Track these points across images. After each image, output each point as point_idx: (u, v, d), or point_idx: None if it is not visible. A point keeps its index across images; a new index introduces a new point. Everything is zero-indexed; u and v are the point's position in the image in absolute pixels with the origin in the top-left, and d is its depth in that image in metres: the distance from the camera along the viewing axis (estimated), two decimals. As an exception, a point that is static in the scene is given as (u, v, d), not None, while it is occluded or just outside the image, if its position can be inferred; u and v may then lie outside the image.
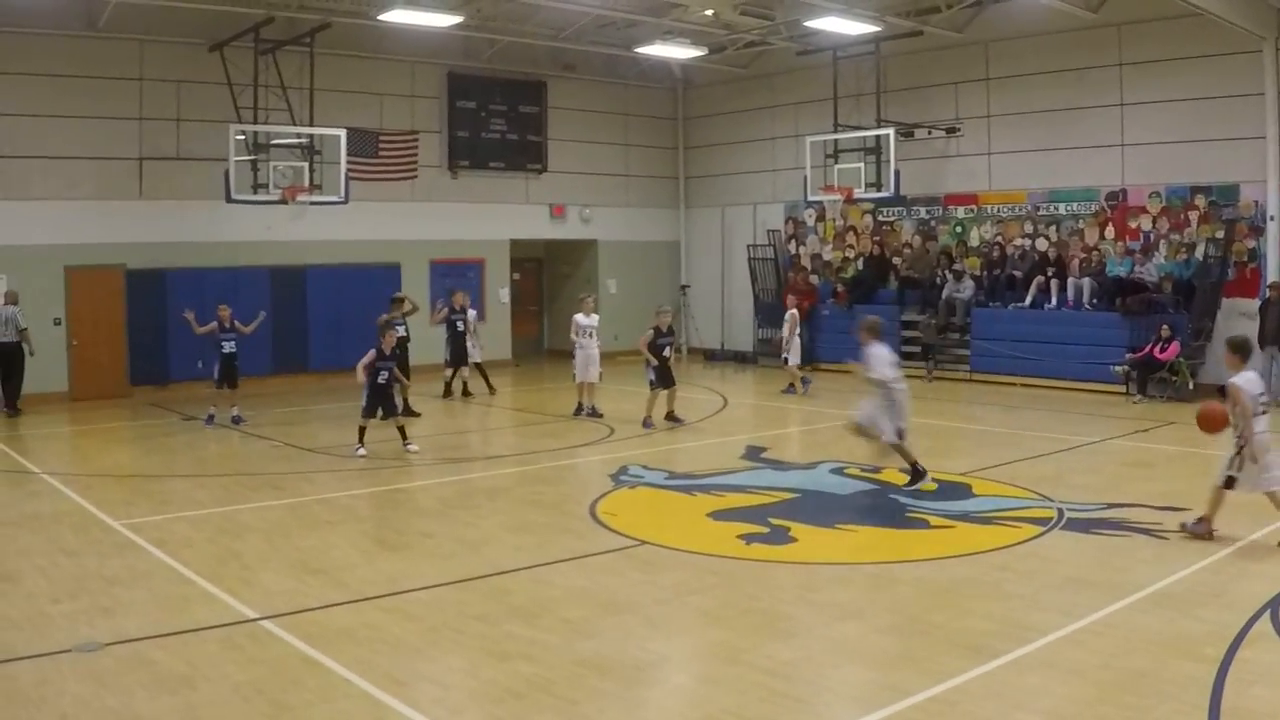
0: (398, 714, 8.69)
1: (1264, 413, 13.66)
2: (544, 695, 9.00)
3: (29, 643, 10.35)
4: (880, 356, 17.22)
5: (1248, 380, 13.75)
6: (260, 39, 28.22)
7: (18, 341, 26.71)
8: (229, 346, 24.12)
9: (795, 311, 29.22)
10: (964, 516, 15.01)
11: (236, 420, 24.12)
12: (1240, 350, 14.19)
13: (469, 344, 28.66)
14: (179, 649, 10.14)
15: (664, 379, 23.40)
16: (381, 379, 20.96)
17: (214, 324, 24.16)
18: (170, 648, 10.17)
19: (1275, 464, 13.50)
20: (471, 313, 29.27)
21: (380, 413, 21.14)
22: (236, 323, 24.34)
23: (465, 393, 28.82)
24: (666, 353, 23.46)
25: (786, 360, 28.99)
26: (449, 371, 29.00)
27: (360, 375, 20.88)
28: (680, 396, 24.50)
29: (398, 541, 14.56)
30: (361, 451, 20.56)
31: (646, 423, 23.11)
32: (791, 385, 28.72)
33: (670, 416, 23.76)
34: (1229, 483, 13.66)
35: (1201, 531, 13.64)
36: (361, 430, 20.82)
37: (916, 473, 16.91)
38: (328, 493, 17.66)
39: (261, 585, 12.20)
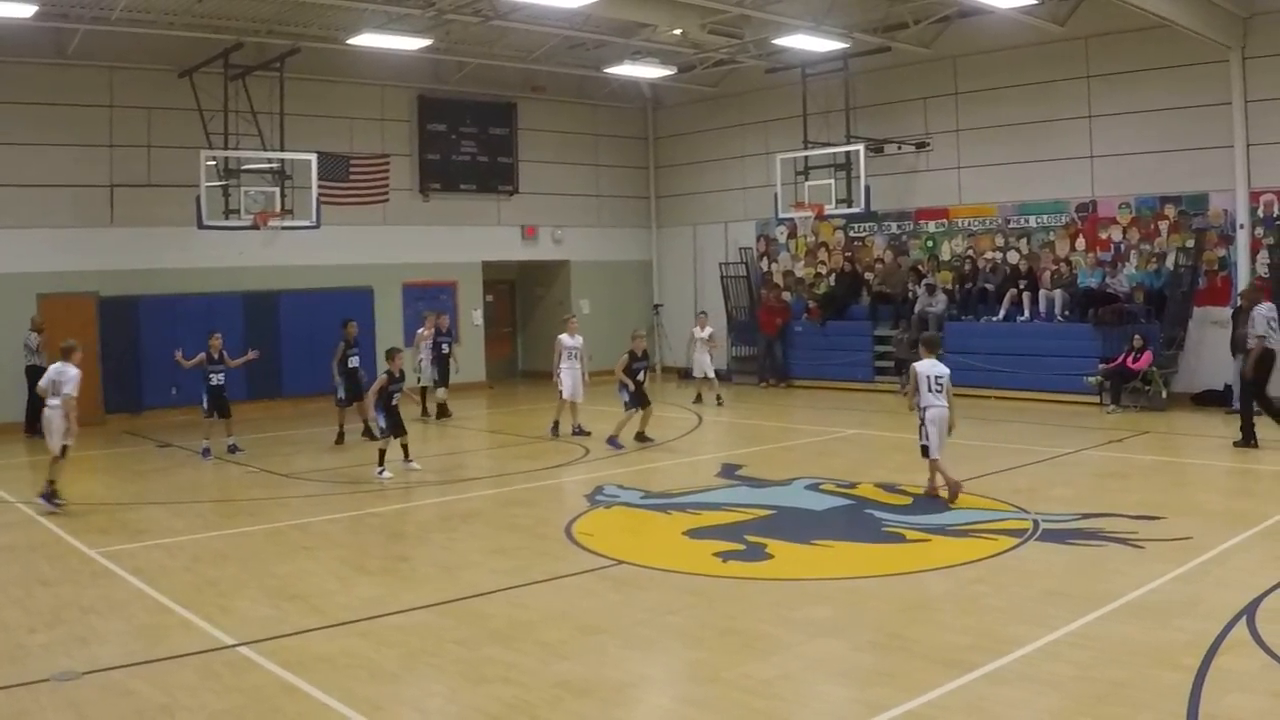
0: (377, 739, 8.69)
1: (939, 390, 17.25)
2: (523, 717, 8.98)
3: (6, 674, 10.30)
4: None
5: (926, 365, 17.32)
6: (230, 64, 28.31)
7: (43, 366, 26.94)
8: (217, 379, 23.80)
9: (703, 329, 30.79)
10: (940, 530, 15.02)
11: (233, 449, 23.94)
12: (928, 345, 18.05)
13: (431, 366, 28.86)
14: (157, 677, 10.10)
15: (639, 400, 23.43)
16: (395, 401, 21.06)
17: (202, 355, 23.82)
18: (148, 676, 10.13)
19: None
20: (425, 331, 29.42)
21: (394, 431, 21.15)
22: (225, 355, 24.10)
23: (442, 413, 28.84)
24: (641, 376, 23.48)
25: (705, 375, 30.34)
26: (441, 392, 29.17)
27: (370, 401, 21.07)
28: (654, 415, 24.53)
29: (374, 566, 14.49)
30: (386, 474, 20.60)
31: (613, 441, 23.09)
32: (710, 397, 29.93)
33: (640, 436, 23.78)
34: (924, 451, 17.22)
35: (941, 490, 17.11)
36: (382, 453, 20.91)
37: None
38: (304, 518, 17.60)
39: (239, 612, 12.14)
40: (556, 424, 25.06)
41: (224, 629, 11.43)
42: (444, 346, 29.05)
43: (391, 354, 21.51)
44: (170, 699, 9.53)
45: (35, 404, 26.58)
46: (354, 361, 25.57)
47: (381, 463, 20.81)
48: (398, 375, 21.15)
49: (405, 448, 21.25)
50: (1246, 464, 19.95)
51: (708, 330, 30.92)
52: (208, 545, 15.79)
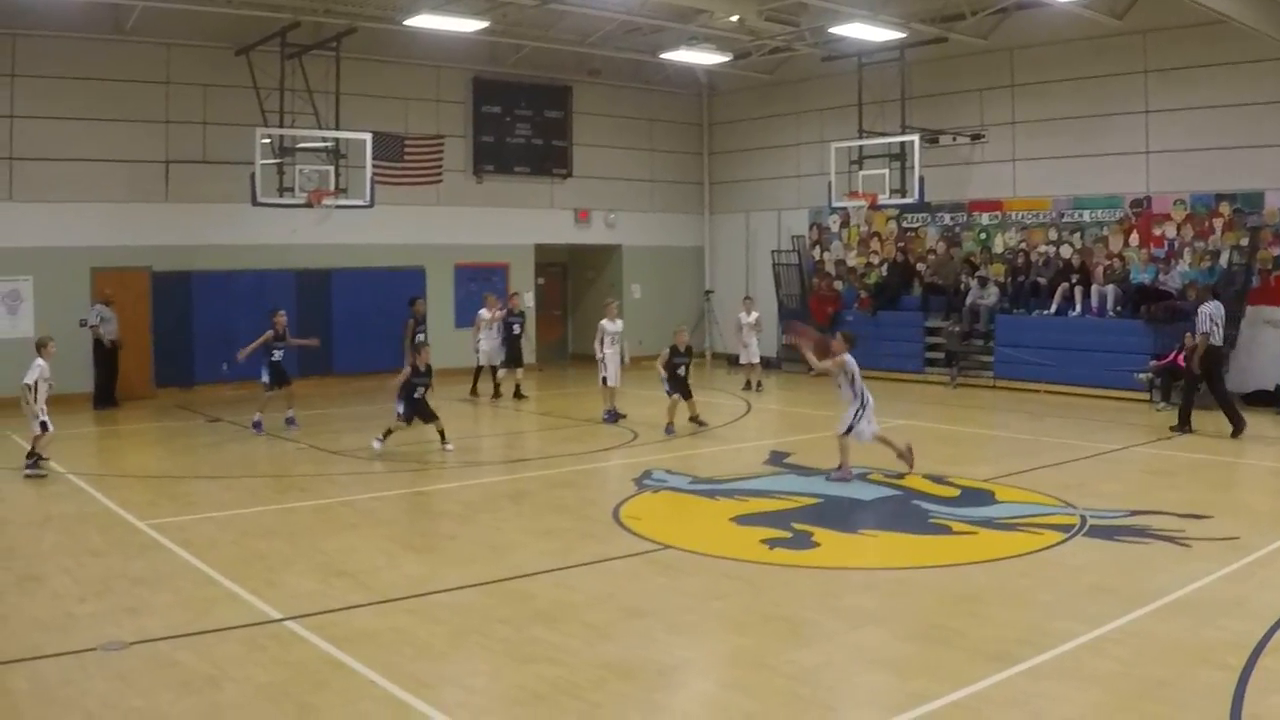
0: (421, 716, 8.71)
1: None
2: (567, 698, 9.01)
3: (55, 642, 10.40)
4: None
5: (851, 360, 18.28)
6: (286, 43, 28.34)
7: (114, 340, 27.83)
8: (278, 354, 23.95)
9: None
10: (986, 523, 14.97)
11: (290, 422, 23.99)
12: (850, 341, 18.73)
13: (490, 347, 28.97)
14: (204, 649, 10.18)
15: (680, 392, 23.37)
16: (417, 394, 21.18)
17: (270, 333, 23.92)
18: (195, 648, 10.21)
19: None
20: (487, 313, 29.40)
21: (415, 420, 21.23)
22: (288, 333, 24.21)
23: (518, 394, 29.04)
24: (682, 371, 23.39)
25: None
26: (519, 372, 29.28)
27: (394, 391, 21.22)
28: (704, 402, 24.54)
29: (422, 544, 14.58)
30: (378, 446, 20.75)
31: (669, 429, 23.06)
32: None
33: (694, 419, 23.79)
34: (848, 431, 18.21)
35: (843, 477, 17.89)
36: (389, 431, 20.97)
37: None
38: (352, 495, 17.72)
39: (286, 586, 12.23)
40: (613, 410, 24.98)
41: (271, 603, 11.49)
42: (515, 327, 29.11)
43: (419, 348, 21.79)
44: (217, 670, 9.61)
45: (105, 377, 26.99)
46: (421, 338, 25.72)
47: (384, 438, 20.98)
48: (423, 370, 21.25)
49: (441, 433, 21.30)
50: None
51: (754, 315, 30.83)
52: (256, 520, 15.89)
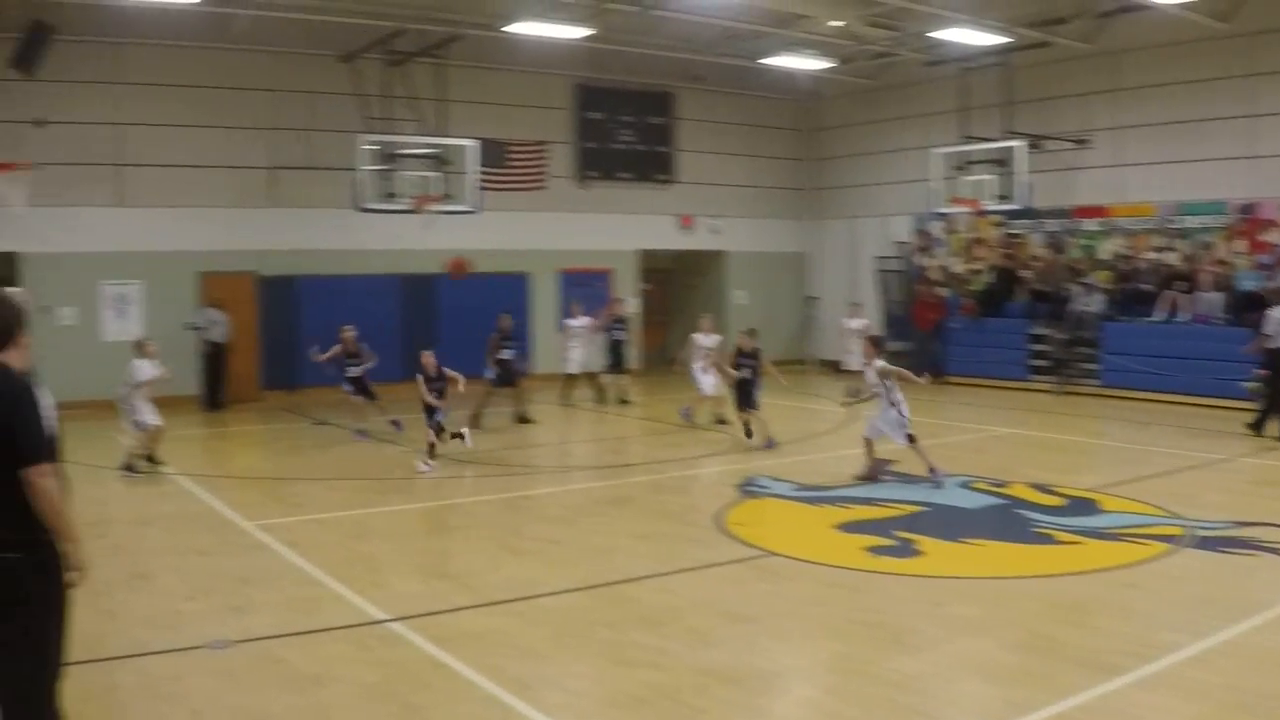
0: (523, 717, 8.74)
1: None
2: (668, 703, 9.01)
3: (162, 639, 10.56)
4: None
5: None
6: (391, 51, 28.61)
7: (223, 343, 28.29)
8: (354, 370, 23.99)
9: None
10: (1091, 533, 14.82)
11: (396, 425, 23.97)
12: (877, 344, 19.43)
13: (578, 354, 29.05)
14: (309, 648, 10.30)
15: (741, 400, 23.01)
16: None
17: (338, 348, 24.06)
18: (300, 647, 10.33)
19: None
20: (583, 321, 29.44)
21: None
22: (363, 347, 24.17)
23: (621, 400, 29.12)
24: (746, 373, 22.96)
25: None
26: (606, 378, 29.35)
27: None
28: (807, 409, 24.47)
29: (525, 547, 14.60)
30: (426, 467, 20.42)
31: (770, 443, 22.78)
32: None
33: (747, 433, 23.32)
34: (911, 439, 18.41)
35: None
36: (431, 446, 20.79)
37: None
38: (456, 498, 17.87)
39: (391, 588, 12.34)
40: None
41: (376, 604, 11.59)
42: (617, 333, 29.12)
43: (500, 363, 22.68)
44: (322, 669, 9.71)
45: (213, 380, 27.35)
46: (507, 354, 25.88)
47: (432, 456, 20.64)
48: (433, 375, 21.30)
49: (432, 446, 21.28)
50: None
51: (860, 321, 30.63)
52: (361, 521, 16.04)
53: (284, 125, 30.36)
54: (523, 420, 25.46)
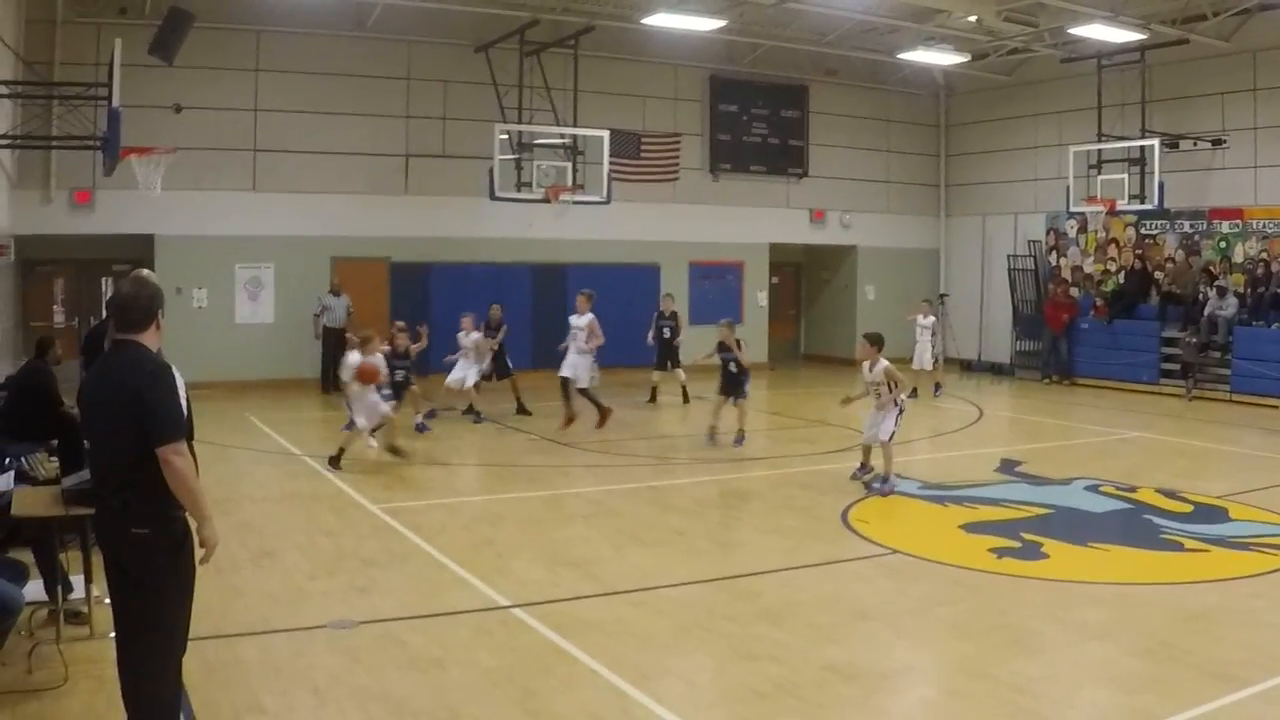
0: (643, 707, 8.73)
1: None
2: (788, 698, 8.97)
3: (286, 616, 10.68)
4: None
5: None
6: (525, 41, 28.79)
7: (342, 329, 28.26)
8: (399, 374, 23.33)
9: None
10: (1220, 541, 14.59)
11: (428, 417, 23.60)
12: (876, 342, 18.06)
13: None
14: (431, 631, 10.36)
15: (725, 389, 22.53)
16: (399, 377, 21.64)
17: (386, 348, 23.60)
18: (423, 629, 10.40)
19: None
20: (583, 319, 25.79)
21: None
22: (411, 348, 23.36)
23: (685, 398, 28.09)
24: (733, 367, 22.15)
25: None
26: (656, 375, 28.39)
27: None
28: (937, 407, 24.35)
29: (650, 538, 14.56)
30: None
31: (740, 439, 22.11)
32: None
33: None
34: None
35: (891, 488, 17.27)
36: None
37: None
38: (582, 487, 17.88)
39: (514, 574, 12.39)
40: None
41: (499, 589, 11.65)
42: (666, 331, 28.42)
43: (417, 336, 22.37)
44: (443, 652, 9.75)
45: (330, 362, 27.61)
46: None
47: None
48: (402, 352, 21.53)
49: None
50: None
51: (930, 319, 29.96)
52: (486, 507, 16.16)
53: (418, 114, 30.72)
54: (521, 411, 25.26)
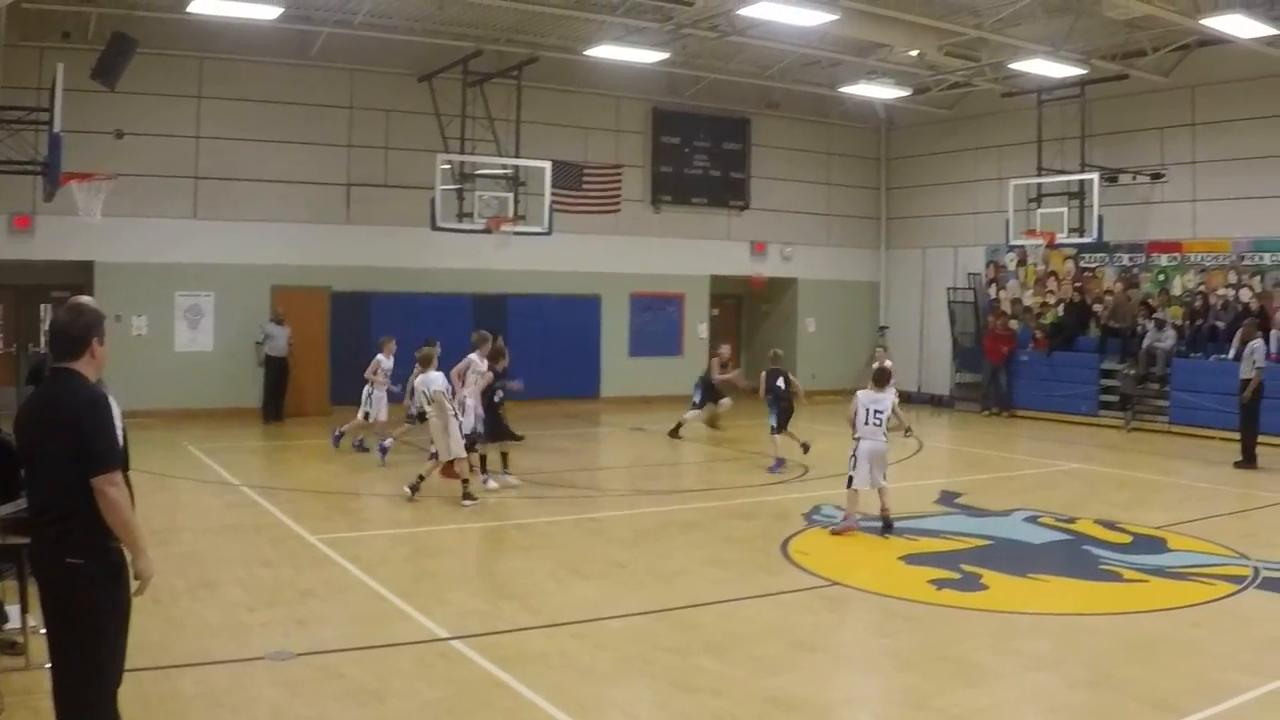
0: (584, 740, 8.74)
1: (875, 424, 16.80)
2: (730, 729, 8.99)
3: (225, 648, 10.62)
4: None
5: (867, 396, 17.02)
6: (468, 71, 28.82)
7: (285, 357, 28.80)
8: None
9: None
10: (1159, 571, 14.71)
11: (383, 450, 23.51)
12: (877, 379, 17.51)
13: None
14: (371, 663, 10.32)
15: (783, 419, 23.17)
16: (498, 399, 20.88)
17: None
18: (362, 662, 10.36)
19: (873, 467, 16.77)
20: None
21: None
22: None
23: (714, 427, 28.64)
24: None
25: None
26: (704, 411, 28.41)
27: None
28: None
29: (591, 570, 14.55)
30: (491, 484, 20.18)
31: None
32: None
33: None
34: (848, 481, 16.87)
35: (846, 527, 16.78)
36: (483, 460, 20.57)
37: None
38: (523, 519, 17.84)
39: (455, 605, 12.35)
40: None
41: (439, 621, 11.59)
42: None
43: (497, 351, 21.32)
44: (382, 685, 9.73)
45: (272, 392, 27.58)
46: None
47: (483, 470, 20.41)
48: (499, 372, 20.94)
49: (505, 456, 21.10)
50: None
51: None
52: (427, 539, 16.13)
53: (361, 143, 30.73)
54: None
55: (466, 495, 18.18)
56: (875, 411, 16.91)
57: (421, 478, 18.79)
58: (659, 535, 16.95)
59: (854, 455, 16.75)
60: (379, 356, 24.32)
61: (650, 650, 10.97)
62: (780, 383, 23.40)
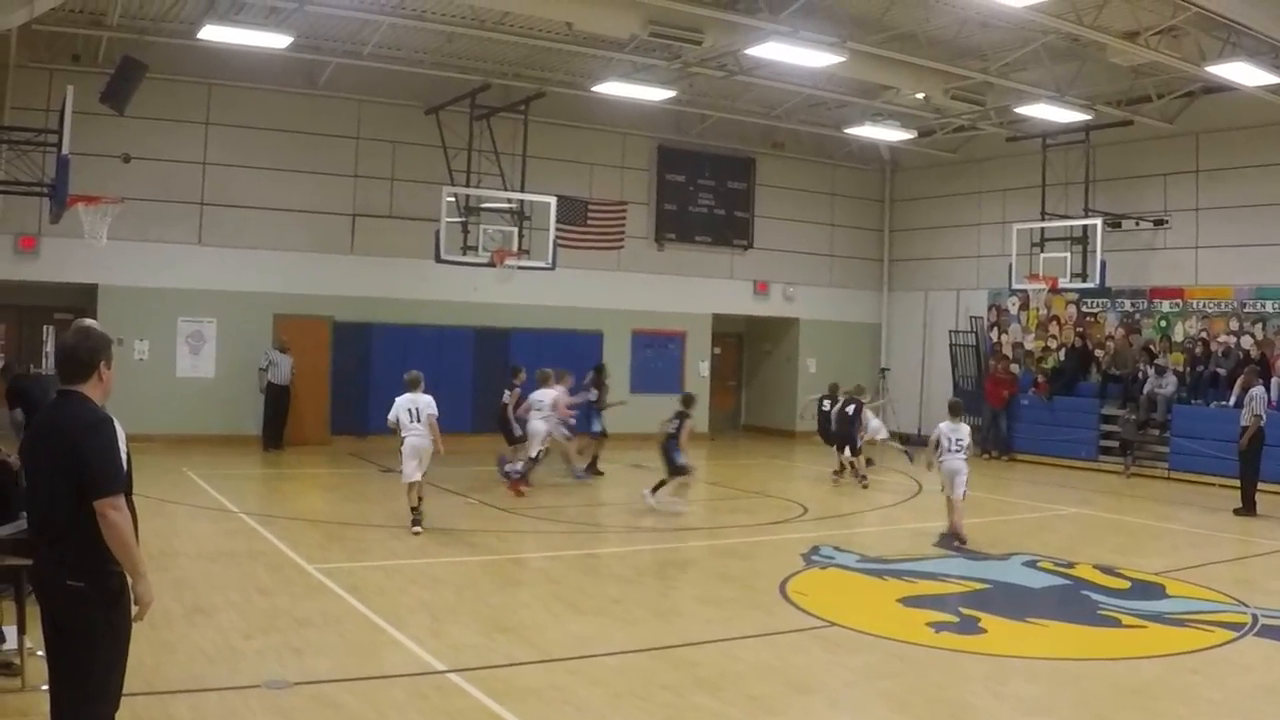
0: (578, 775, 8.71)
1: (956, 451, 19.18)
2: (725, 767, 8.97)
3: (219, 675, 10.58)
4: None
5: (948, 427, 19.48)
6: (476, 104, 28.87)
7: (287, 385, 28.90)
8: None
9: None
10: (1157, 617, 14.66)
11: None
12: (952, 410, 20.16)
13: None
14: (366, 694, 10.28)
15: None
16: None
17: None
18: (358, 692, 10.31)
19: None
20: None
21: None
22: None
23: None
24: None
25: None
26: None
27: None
28: (874, 480, 24.61)
29: (588, 606, 14.49)
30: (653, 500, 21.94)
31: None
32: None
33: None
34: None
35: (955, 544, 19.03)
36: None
37: None
38: (521, 553, 17.88)
39: (450, 638, 12.29)
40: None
41: (435, 653, 11.56)
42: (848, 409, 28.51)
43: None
44: (378, 715, 9.69)
45: (273, 420, 27.65)
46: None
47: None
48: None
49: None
50: None
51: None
52: (424, 570, 16.05)
53: (366, 173, 30.83)
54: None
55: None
56: (956, 439, 19.28)
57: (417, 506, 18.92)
58: (657, 572, 16.98)
59: (942, 473, 19.41)
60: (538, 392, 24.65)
61: (646, 687, 10.92)
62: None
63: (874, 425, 27.56)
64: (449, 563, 16.74)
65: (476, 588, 15.07)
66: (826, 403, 27.47)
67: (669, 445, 21.96)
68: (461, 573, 16.07)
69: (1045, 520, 23.14)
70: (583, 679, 11.07)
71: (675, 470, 22.03)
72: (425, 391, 19.12)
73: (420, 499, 18.88)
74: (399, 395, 19.12)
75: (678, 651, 12.28)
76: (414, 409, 18.81)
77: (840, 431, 25.68)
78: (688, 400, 22.93)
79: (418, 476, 18.67)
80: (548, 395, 24.06)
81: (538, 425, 23.97)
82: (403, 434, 18.92)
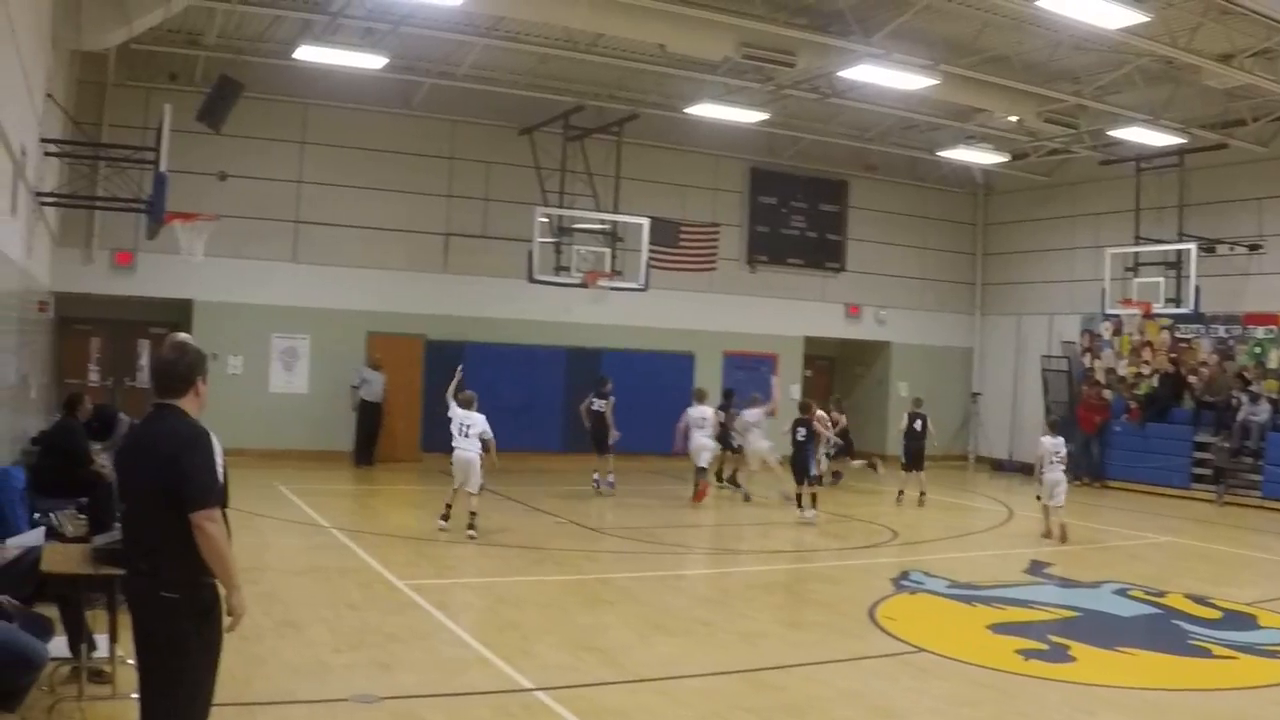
0: (662, 796, 8.70)
1: (1057, 463, 22.51)
2: (808, 792, 8.94)
3: (309, 689, 10.67)
4: None
5: (1048, 441, 22.90)
6: (569, 125, 29.03)
7: (379, 403, 29.18)
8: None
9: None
10: (1248, 648, 14.49)
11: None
12: (1052, 427, 23.74)
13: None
14: (453, 710, 10.34)
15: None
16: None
17: None
18: (444, 708, 10.37)
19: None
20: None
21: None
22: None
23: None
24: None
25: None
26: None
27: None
28: (968, 506, 24.49)
29: (675, 627, 14.46)
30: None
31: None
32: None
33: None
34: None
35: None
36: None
37: None
38: (609, 573, 17.84)
39: (538, 657, 12.30)
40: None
41: (522, 671, 11.57)
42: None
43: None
44: (463, 734, 9.71)
45: (365, 436, 27.84)
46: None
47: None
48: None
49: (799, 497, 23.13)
50: None
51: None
52: (512, 589, 16.09)
53: (460, 193, 31.05)
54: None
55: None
56: (1055, 452, 22.57)
57: (449, 506, 19.89)
58: (744, 595, 16.89)
59: (1043, 484, 22.70)
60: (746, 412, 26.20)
61: (730, 710, 10.88)
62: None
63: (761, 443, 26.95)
64: (537, 581, 16.78)
65: (564, 606, 15.07)
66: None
67: (804, 454, 23.01)
68: (549, 591, 16.10)
69: (1137, 548, 22.94)
70: (668, 700, 11.07)
71: (808, 479, 23.18)
72: (479, 410, 20.36)
73: (473, 513, 19.68)
74: (458, 408, 20.16)
75: (763, 675, 12.22)
76: (465, 425, 19.71)
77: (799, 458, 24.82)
78: (805, 408, 23.78)
79: (465, 486, 19.73)
80: (751, 414, 25.75)
81: (759, 443, 25.71)
82: (453, 444, 19.98)
